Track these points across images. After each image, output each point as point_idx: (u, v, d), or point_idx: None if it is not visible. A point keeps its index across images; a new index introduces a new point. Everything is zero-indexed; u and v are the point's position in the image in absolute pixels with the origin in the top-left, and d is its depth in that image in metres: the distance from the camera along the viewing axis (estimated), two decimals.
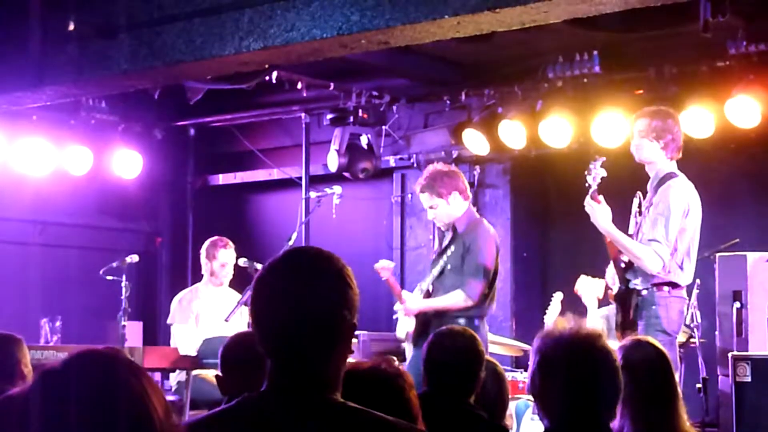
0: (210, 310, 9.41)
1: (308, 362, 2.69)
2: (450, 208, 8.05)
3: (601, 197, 7.35)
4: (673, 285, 7.36)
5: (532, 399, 7.99)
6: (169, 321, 9.68)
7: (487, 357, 5.99)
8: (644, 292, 7.34)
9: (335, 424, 2.65)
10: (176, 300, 9.74)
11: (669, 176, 7.47)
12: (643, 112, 7.71)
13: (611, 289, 7.67)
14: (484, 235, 8.02)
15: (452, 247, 8.03)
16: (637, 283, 7.38)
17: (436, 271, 8.05)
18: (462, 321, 7.73)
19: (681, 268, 7.40)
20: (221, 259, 9.56)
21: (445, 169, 8.23)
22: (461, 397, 4.70)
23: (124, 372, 2.12)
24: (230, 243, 9.64)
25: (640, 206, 7.72)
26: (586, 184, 7.34)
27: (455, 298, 7.88)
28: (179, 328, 9.50)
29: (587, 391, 3.55)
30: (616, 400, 3.63)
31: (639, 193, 7.77)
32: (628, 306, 7.40)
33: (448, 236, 8.15)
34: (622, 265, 7.48)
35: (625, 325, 7.33)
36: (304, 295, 2.70)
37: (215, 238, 9.71)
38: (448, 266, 8.00)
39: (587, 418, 3.56)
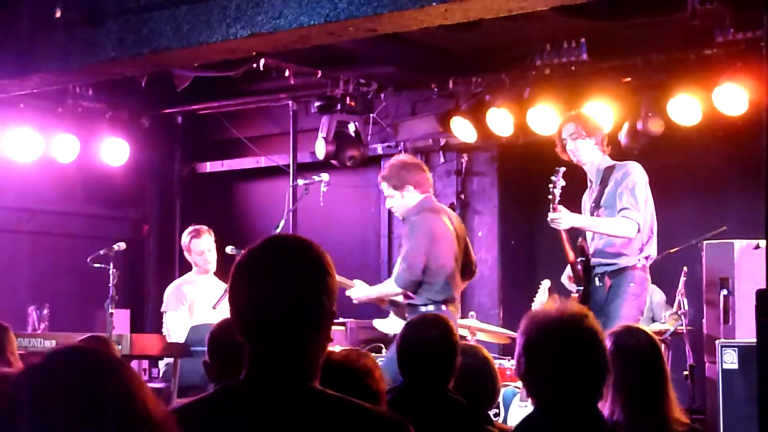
0: (203, 299, 9.40)
1: (287, 350, 2.69)
2: (403, 200, 8.10)
3: (560, 207, 7.52)
4: (648, 258, 7.54)
5: (520, 382, 8.04)
6: (163, 309, 9.67)
7: (474, 343, 6.00)
8: (619, 271, 7.50)
9: (315, 412, 2.65)
10: (170, 288, 9.73)
11: (614, 165, 7.71)
12: (565, 119, 8.00)
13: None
14: (420, 225, 8.00)
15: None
16: (611, 263, 7.47)
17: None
18: (431, 308, 7.87)
19: (653, 238, 7.62)
20: (195, 248, 9.56)
21: (407, 161, 8.33)
22: (439, 386, 4.70)
23: (108, 366, 2.12)
24: (203, 230, 9.60)
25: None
26: (549, 196, 7.47)
27: (388, 287, 8.06)
28: (172, 316, 9.49)
29: (573, 371, 3.54)
30: (602, 380, 3.62)
31: None
32: (594, 298, 7.48)
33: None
34: (579, 266, 7.59)
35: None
36: (284, 282, 2.70)
37: (189, 228, 9.70)
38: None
39: (574, 398, 3.55)
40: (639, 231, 7.45)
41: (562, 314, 3.61)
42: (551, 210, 7.50)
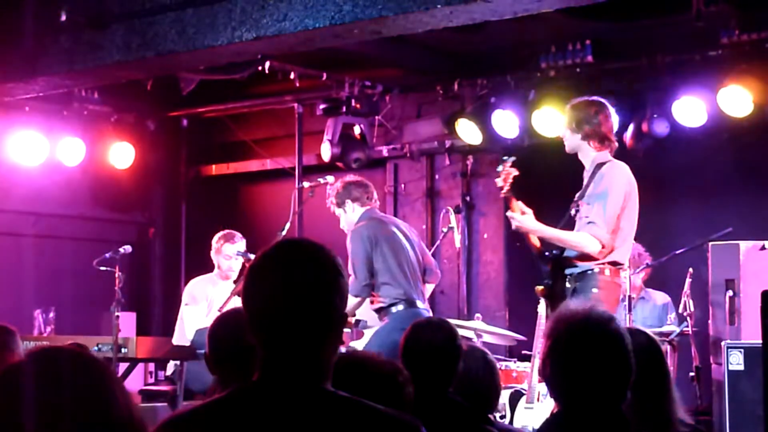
0: (221, 302, 9.41)
1: (301, 352, 2.70)
2: (347, 215, 8.59)
3: (518, 203, 7.43)
4: (614, 265, 7.29)
5: (534, 395, 8.01)
6: (184, 302, 9.65)
7: (477, 345, 6.00)
8: (583, 275, 7.28)
9: (328, 413, 2.66)
10: (191, 284, 9.73)
11: (603, 163, 7.43)
12: (570, 104, 7.66)
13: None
14: (355, 234, 8.42)
15: None
16: (574, 265, 7.34)
17: None
18: (401, 306, 8.30)
19: (623, 246, 7.35)
20: (226, 251, 9.57)
21: (346, 180, 8.70)
22: (440, 388, 4.71)
23: (79, 368, 2.13)
24: (237, 237, 9.63)
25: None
26: (498, 186, 7.36)
27: (350, 302, 8.15)
28: (190, 310, 9.48)
29: (599, 374, 3.55)
30: (627, 382, 3.62)
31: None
32: (560, 296, 7.35)
33: None
34: (548, 260, 7.45)
35: None
36: (298, 285, 2.71)
37: (224, 231, 9.71)
38: None
39: (599, 401, 3.56)
40: (603, 247, 7.20)
41: (588, 317, 3.62)
42: (510, 207, 7.39)
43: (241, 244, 9.57)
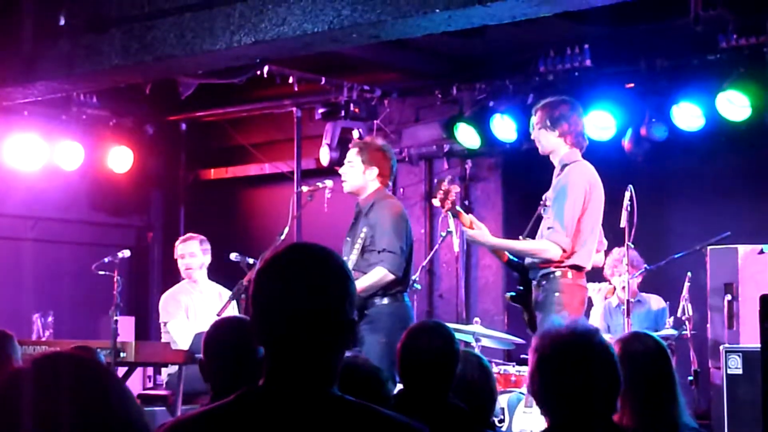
0: (199, 305, 9.41)
1: (308, 356, 2.70)
2: (363, 177, 7.96)
3: (468, 216, 7.34)
4: (576, 269, 7.22)
5: (532, 399, 8.04)
6: (162, 320, 9.65)
7: (472, 349, 5.99)
8: (545, 277, 7.22)
9: (336, 418, 2.66)
10: (163, 298, 9.71)
11: (570, 163, 7.38)
12: (540, 104, 7.58)
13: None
14: (392, 211, 7.89)
15: (363, 229, 7.91)
16: (536, 269, 7.30)
17: (354, 256, 7.86)
18: (387, 300, 7.73)
19: (583, 249, 7.25)
20: (176, 253, 9.66)
21: (385, 148, 8.11)
22: (440, 393, 4.70)
23: (103, 373, 2.13)
24: (191, 236, 9.67)
25: (631, 199, 7.76)
26: (438, 205, 7.24)
27: (378, 275, 7.73)
28: (174, 324, 9.47)
29: (587, 387, 3.55)
30: (616, 394, 3.63)
31: (630, 186, 7.79)
32: (531, 301, 7.34)
33: (355, 217, 8.14)
34: (514, 264, 7.43)
35: (533, 322, 7.30)
36: (309, 289, 2.71)
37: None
38: (359, 246, 7.89)
39: (589, 414, 3.56)
40: (564, 251, 7.13)
41: (574, 331, 3.63)
42: (463, 225, 7.28)
43: (191, 243, 9.60)
